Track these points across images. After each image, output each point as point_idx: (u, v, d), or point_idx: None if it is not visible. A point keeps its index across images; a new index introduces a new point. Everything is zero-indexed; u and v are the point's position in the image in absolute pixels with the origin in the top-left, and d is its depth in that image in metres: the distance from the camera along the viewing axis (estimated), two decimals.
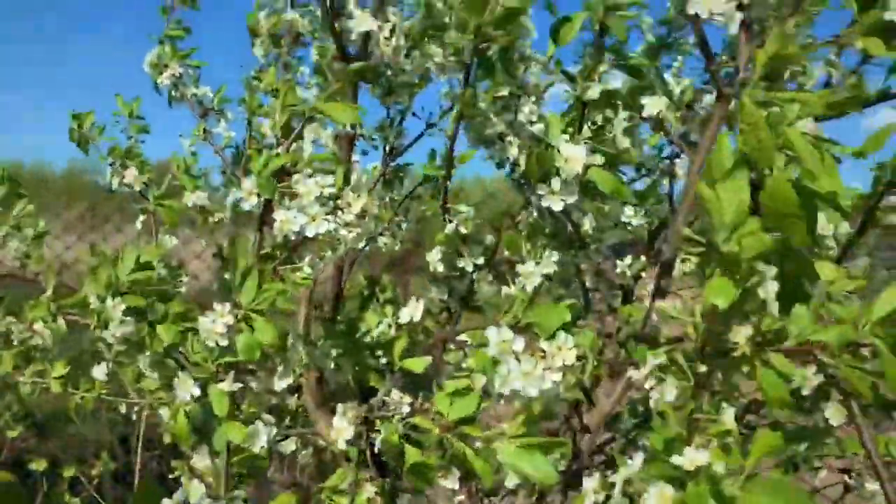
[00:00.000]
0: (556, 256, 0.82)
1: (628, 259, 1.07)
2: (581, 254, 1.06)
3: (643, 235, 1.12)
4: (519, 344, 0.61)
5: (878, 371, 0.51)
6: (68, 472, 1.78)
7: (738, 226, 0.47)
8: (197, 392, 0.73)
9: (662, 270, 0.80)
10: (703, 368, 0.55)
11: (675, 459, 0.54)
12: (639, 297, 1.08)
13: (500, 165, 1.02)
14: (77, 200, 5.79)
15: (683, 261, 0.94)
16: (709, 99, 0.90)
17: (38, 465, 1.53)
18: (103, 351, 1.21)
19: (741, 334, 0.50)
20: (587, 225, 1.05)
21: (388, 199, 1.21)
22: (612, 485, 0.68)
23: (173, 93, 1.35)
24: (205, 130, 1.34)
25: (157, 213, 1.30)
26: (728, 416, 0.56)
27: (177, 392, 0.74)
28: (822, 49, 0.91)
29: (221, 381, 0.73)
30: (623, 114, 0.71)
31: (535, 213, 1.05)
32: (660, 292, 0.79)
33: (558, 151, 0.68)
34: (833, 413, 0.70)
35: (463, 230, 0.82)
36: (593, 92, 0.69)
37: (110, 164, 1.37)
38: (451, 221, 0.83)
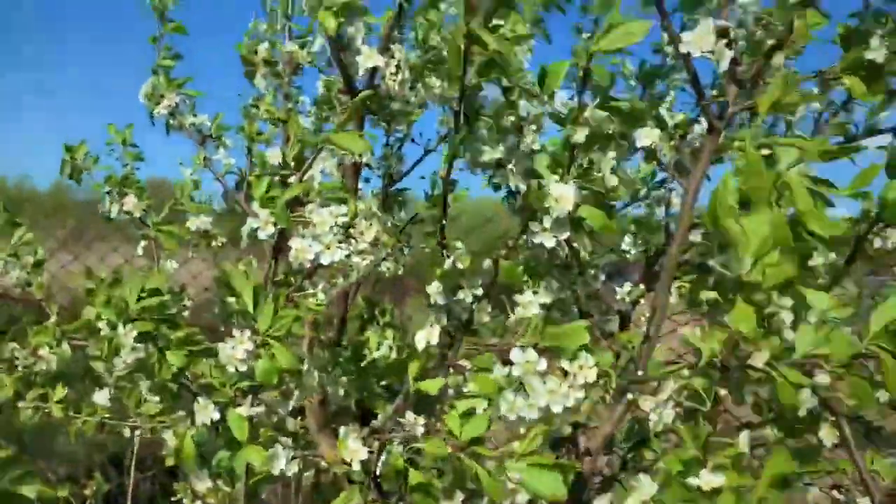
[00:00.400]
0: (553, 286, 0.85)
1: (627, 286, 1.10)
2: (580, 280, 1.09)
3: (640, 261, 1.15)
4: (542, 365, 0.65)
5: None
6: (62, 493, 1.77)
7: (761, 256, 0.50)
8: (217, 416, 0.75)
9: (658, 297, 0.83)
10: (723, 392, 0.58)
11: (692, 481, 0.57)
12: (635, 323, 1.11)
13: (496, 188, 1.06)
14: (66, 218, 5.76)
15: (679, 287, 0.97)
16: (699, 129, 0.94)
17: (30, 491, 1.52)
18: (104, 376, 1.23)
19: (760, 358, 0.53)
20: (584, 252, 1.08)
21: (389, 224, 1.24)
22: None
23: (171, 122, 1.37)
24: (205, 158, 1.36)
25: (157, 238, 1.32)
26: (743, 438, 0.59)
27: (197, 417, 0.76)
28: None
29: (240, 405, 0.75)
30: (611, 153, 0.75)
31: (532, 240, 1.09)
32: (656, 317, 0.82)
33: (549, 191, 0.71)
34: (826, 433, 0.73)
35: (460, 265, 0.85)
36: (579, 136, 0.73)
37: (107, 192, 1.39)
38: (448, 257, 0.87)
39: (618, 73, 1.12)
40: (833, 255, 0.75)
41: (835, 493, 0.86)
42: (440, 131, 1.33)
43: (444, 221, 0.93)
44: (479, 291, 0.87)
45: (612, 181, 0.74)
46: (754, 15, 0.81)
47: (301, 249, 0.72)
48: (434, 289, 0.89)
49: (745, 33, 0.82)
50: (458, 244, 0.87)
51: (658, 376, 0.66)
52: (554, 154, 0.77)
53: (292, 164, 0.78)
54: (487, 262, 0.99)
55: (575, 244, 1.07)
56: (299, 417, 1.20)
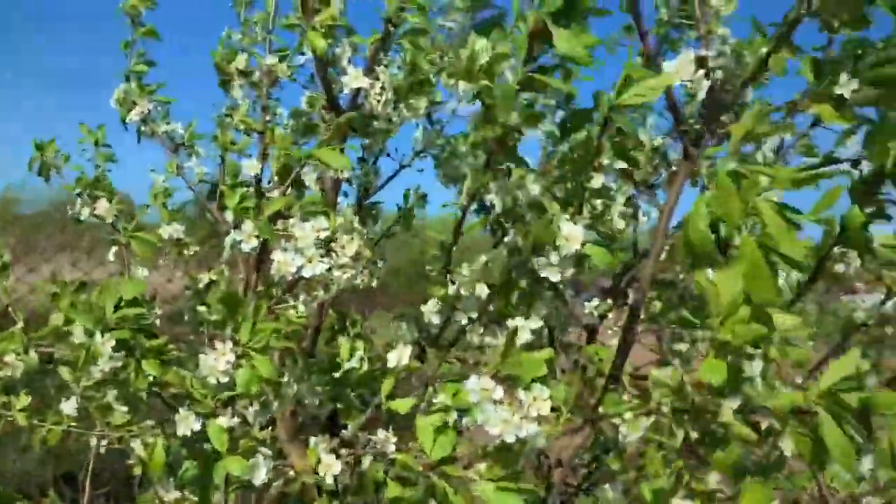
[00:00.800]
0: (542, 312, 0.87)
1: (595, 301, 1.13)
2: (548, 295, 1.12)
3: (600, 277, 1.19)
4: (498, 393, 0.64)
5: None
6: None
7: (731, 314, 0.52)
8: (197, 427, 0.76)
9: (631, 314, 0.86)
10: (694, 434, 0.60)
11: None
12: (601, 336, 1.14)
13: None
14: (14, 231, 5.63)
15: (648, 303, 1.00)
16: (674, 154, 0.97)
17: None
18: (72, 385, 1.21)
19: (727, 409, 0.55)
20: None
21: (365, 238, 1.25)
22: None
23: (143, 129, 1.37)
24: (177, 166, 1.36)
25: (129, 245, 1.30)
26: (713, 476, 0.61)
27: (178, 427, 0.76)
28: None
29: (220, 416, 0.75)
30: (620, 198, 0.78)
31: (504, 254, 1.11)
32: (629, 335, 0.85)
33: (559, 229, 0.74)
34: (788, 445, 0.76)
35: (463, 292, 0.87)
36: (596, 182, 0.76)
37: (78, 195, 1.37)
38: (452, 283, 0.89)
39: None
40: (796, 275, 0.78)
41: None
42: (414, 147, 1.35)
43: (454, 247, 0.95)
44: (474, 314, 0.89)
45: (620, 224, 0.78)
46: (731, 47, 0.85)
47: (284, 262, 0.73)
48: (430, 307, 0.91)
49: (722, 64, 0.86)
50: (465, 271, 0.89)
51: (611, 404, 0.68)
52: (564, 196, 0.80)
53: (276, 178, 0.79)
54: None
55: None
56: (269, 427, 1.21)
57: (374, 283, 1.12)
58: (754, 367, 0.53)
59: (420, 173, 1.36)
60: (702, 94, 0.73)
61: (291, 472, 1.16)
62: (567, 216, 0.75)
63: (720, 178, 0.53)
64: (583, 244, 0.74)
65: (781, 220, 0.52)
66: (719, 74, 0.81)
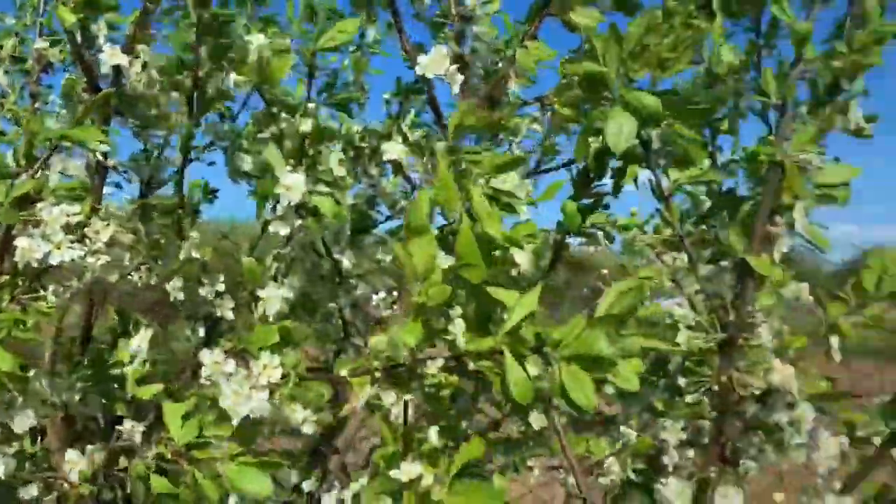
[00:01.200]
0: (296, 283, 0.87)
1: (382, 293, 1.15)
2: (341, 289, 1.13)
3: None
4: (229, 366, 0.64)
5: None
6: None
7: (425, 278, 0.55)
8: None
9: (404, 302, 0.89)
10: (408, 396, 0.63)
11: (394, 473, 0.61)
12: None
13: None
14: None
15: None
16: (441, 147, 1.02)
17: None
18: None
19: (435, 366, 0.58)
20: (346, 262, 1.12)
21: (144, 232, 1.19)
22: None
23: None
24: None
25: None
26: (432, 433, 0.65)
27: None
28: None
29: None
30: (336, 146, 0.81)
31: (295, 248, 1.11)
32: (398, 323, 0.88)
33: (279, 180, 0.75)
34: (535, 419, 0.83)
35: (195, 254, 0.86)
36: (305, 126, 0.78)
37: None
38: (181, 247, 0.88)
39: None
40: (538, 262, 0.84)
41: (555, 473, 0.96)
42: (205, 139, 1.32)
43: (181, 210, 0.93)
44: (221, 287, 0.88)
45: (340, 171, 0.79)
46: (489, 44, 0.90)
47: (28, 249, 0.69)
48: (174, 284, 0.89)
49: (483, 59, 0.91)
50: (194, 233, 0.87)
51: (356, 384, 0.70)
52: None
53: (23, 161, 0.75)
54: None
55: (337, 256, 1.11)
56: (40, 437, 1.12)
57: (154, 281, 1.08)
58: (457, 326, 0.57)
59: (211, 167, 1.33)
60: (455, 89, 0.77)
61: (65, 485, 1.09)
62: (289, 167, 0.76)
63: (439, 167, 0.57)
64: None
65: (488, 205, 0.56)
66: (477, 69, 0.86)
